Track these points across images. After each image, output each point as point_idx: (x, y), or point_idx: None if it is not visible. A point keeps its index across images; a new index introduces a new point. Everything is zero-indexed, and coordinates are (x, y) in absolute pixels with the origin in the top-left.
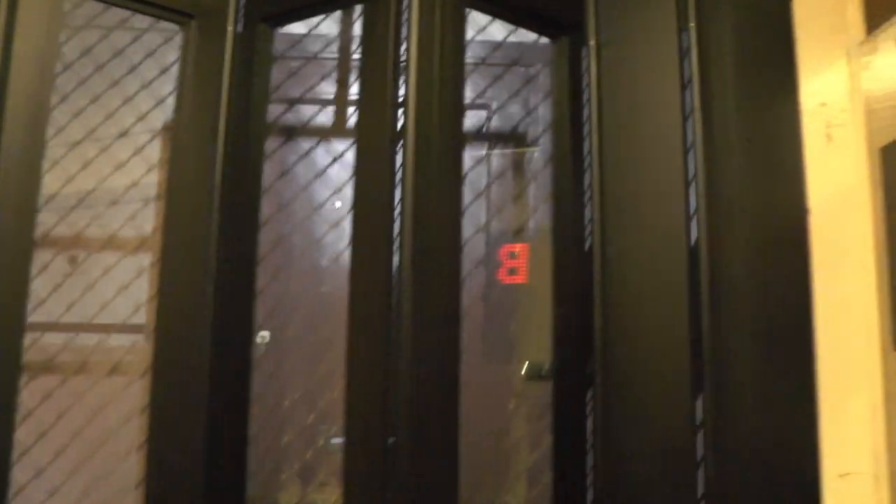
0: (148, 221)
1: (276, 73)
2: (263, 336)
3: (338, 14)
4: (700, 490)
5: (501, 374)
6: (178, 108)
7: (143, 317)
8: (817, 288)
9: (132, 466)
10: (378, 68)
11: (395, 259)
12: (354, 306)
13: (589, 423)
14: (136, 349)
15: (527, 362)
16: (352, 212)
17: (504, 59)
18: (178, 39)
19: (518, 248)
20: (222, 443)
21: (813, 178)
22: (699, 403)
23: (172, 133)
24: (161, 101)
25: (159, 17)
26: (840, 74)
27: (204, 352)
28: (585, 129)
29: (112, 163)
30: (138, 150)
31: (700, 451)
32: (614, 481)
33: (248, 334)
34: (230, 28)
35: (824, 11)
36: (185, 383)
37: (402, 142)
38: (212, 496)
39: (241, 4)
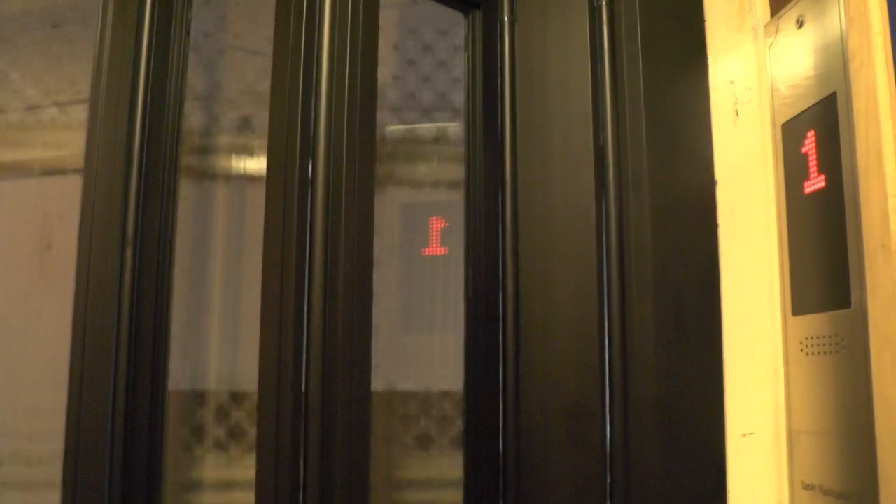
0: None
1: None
2: None
3: None
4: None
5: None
6: (96, 77)
7: None
8: (724, 254)
9: None
10: (292, 36)
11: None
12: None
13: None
14: None
15: None
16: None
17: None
18: None
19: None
20: None
21: (720, 151)
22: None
23: (90, 103)
24: None
25: None
26: (747, 54)
27: None
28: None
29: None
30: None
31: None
32: (524, 436)
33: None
34: None
35: None
36: None
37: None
38: None
39: None
